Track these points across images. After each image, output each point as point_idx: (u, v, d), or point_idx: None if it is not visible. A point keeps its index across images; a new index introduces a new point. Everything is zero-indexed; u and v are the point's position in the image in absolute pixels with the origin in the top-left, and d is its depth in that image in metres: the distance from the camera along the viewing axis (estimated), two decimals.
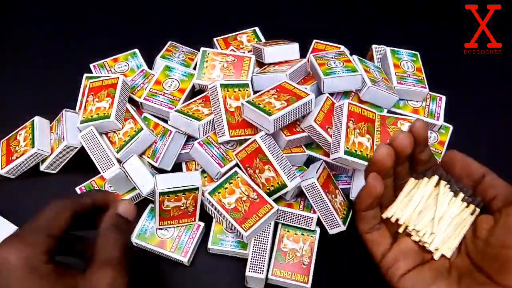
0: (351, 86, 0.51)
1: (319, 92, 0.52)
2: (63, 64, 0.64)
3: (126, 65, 0.59)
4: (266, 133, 0.46)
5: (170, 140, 0.49)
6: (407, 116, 0.53)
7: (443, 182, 0.33)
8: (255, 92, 0.51)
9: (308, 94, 0.46)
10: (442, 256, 0.32)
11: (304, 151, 0.49)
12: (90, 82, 0.52)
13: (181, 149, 0.51)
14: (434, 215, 0.32)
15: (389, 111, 0.53)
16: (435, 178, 0.34)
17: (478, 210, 0.33)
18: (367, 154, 0.44)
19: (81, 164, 0.51)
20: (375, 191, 0.32)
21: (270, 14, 0.73)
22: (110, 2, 0.74)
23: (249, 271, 0.43)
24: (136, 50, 0.61)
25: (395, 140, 0.33)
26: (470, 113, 0.60)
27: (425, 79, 0.55)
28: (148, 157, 0.49)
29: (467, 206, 0.33)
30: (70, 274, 0.31)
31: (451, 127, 0.55)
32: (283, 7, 0.74)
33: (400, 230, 0.33)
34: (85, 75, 0.56)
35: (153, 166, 0.50)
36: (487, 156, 0.57)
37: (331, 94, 0.52)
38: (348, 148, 0.43)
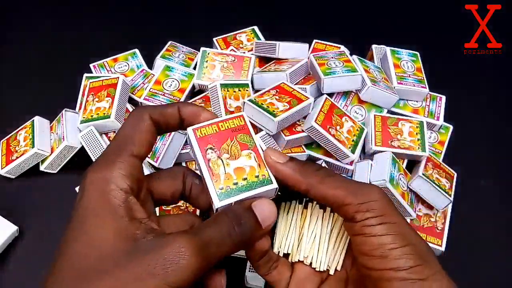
0: (351, 86, 0.51)
1: (319, 92, 0.52)
2: (63, 64, 0.64)
3: (126, 65, 0.59)
4: (267, 133, 0.46)
5: (170, 140, 0.49)
6: (408, 116, 0.53)
7: (310, 203, 0.32)
8: (255, 91, 0.51)
9: (308, 98, 0.47)
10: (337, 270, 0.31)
11: (304, 151, 0.49)
12: (90, 82, 0.52)
13: (181, 149, 0.50)
14: (309, 238, 0.31)
15: (389, 111, 0.53)
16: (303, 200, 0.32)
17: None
18: None
19: (81, 164, 0.51)
20: (261, 251, 0.30)
21: (270, 14, 0.73)
22: (110, 2, 0.74)
23: (249, 271, 0.43)
24: (136, 50, 0.61)
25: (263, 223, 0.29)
26: (470, 113, 0.60)
27: (425, 79, 0.55)
28: (148, 157, 0.49)
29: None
30: (150, 219, 0.25)
31: (451, 127, 0.55)
32: (283, 7, 0.74)
33: (292, 260, 0.32)
34: (85, 75, 0.56)
35: (153, 166, 0.50)
36: (487, 156, 0.57)
37: (331, 94, 0.52)
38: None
